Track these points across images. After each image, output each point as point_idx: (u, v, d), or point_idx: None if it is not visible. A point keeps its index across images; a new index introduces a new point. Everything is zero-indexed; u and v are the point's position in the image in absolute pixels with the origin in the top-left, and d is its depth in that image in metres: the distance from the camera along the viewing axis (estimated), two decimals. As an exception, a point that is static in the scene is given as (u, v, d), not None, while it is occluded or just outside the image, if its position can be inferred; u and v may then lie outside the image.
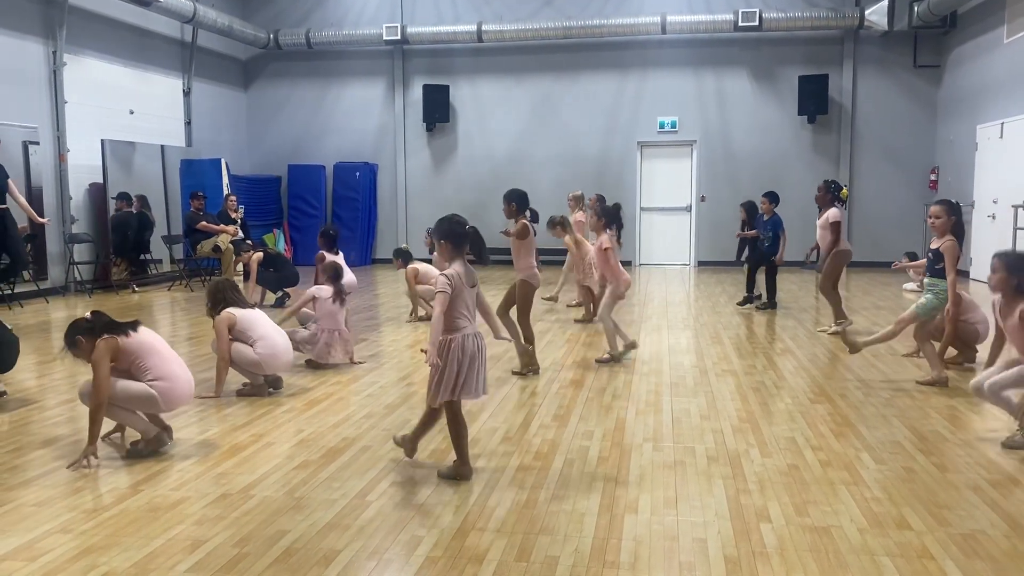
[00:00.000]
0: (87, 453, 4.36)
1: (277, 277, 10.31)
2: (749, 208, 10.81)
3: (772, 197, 10.04)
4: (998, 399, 4.70)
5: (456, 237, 4.13)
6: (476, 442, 4.70)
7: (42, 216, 10.52)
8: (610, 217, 7.21)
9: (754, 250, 10.52)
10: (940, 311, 6.12)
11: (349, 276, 7.12)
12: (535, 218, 6.86)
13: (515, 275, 6.60)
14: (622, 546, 3.37)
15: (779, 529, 3.53)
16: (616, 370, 6.73)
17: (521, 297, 6.59)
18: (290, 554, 3.31)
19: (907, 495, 3.91)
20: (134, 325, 4.59)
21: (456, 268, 4.07)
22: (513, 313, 6.64)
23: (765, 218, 10.07)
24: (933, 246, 6.14)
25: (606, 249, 7.02)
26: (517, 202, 6.59)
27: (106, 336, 4.42)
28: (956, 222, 6.07)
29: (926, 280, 6.27)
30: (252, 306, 5.99)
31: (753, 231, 10.53)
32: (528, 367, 6.56)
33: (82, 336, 4.45)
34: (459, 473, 4.14)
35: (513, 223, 6.63)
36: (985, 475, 4.19)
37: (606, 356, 7.12)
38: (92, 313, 4.57)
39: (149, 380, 4.49)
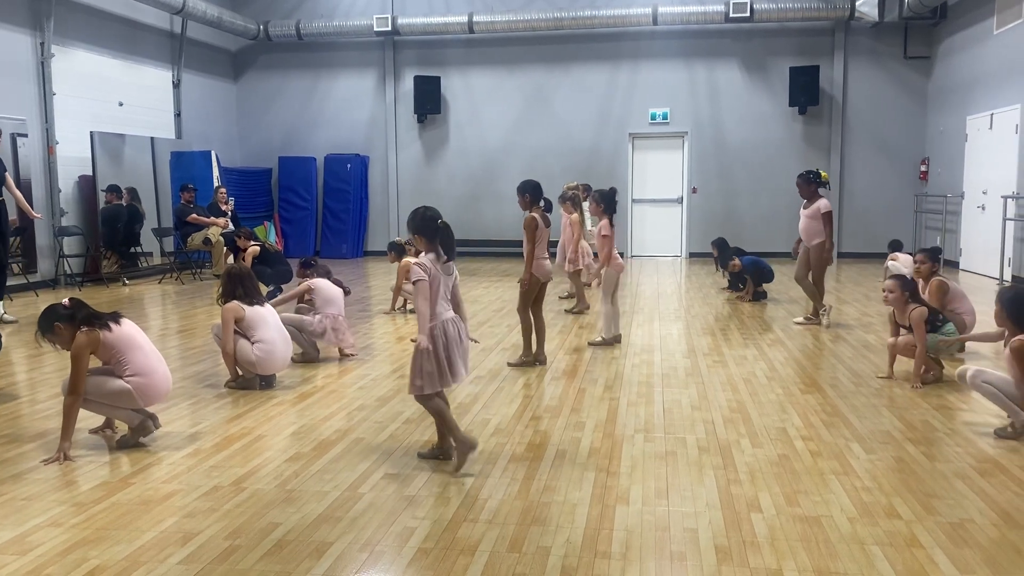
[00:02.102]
0: (61, 449, 4.33)
1: (271, 273, 10.28)
2: (720, 245, 10.95)
3: (736, 252, 10.58)
4: (981, 388, 4.70)
5: (429, 232, 4.16)
6: (468, 433, 4.69)
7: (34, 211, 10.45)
8: (608, 202, 7.33)
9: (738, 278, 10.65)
10: (942, 342, 6.00)
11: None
12: (549, 207, 6.79)
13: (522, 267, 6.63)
14: (614, 536, 3.38)
15: (770, 519, 3.55)
16: (608, 361, 6.74)
17: (525, 289, 6.59)
18: (282, 546, 3.32)
19: (897, 484, 3.94)
20: (115, 317, 4.52)
21: (429, 256, 4.12)
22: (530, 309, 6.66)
23: (736, 270, 10.35)
24: (901, 321, 5.99)
25: (604, 236, 7.21)
26: (531, 193, 6.60)
27: (87, 329, 4.35)
28: (914, 292, 6.01)
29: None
30: (264, 301, 5.94)
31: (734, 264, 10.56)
32: (526, 359, 6.58)
33: (61, 323, 4.37)
34: (441, 453, 4.29)
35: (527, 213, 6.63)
36: (974, 464, 4.22)
37: (599, 339, 7.23)
38: (71, 300, 4.49)
39: (127, 375, 4.44)
